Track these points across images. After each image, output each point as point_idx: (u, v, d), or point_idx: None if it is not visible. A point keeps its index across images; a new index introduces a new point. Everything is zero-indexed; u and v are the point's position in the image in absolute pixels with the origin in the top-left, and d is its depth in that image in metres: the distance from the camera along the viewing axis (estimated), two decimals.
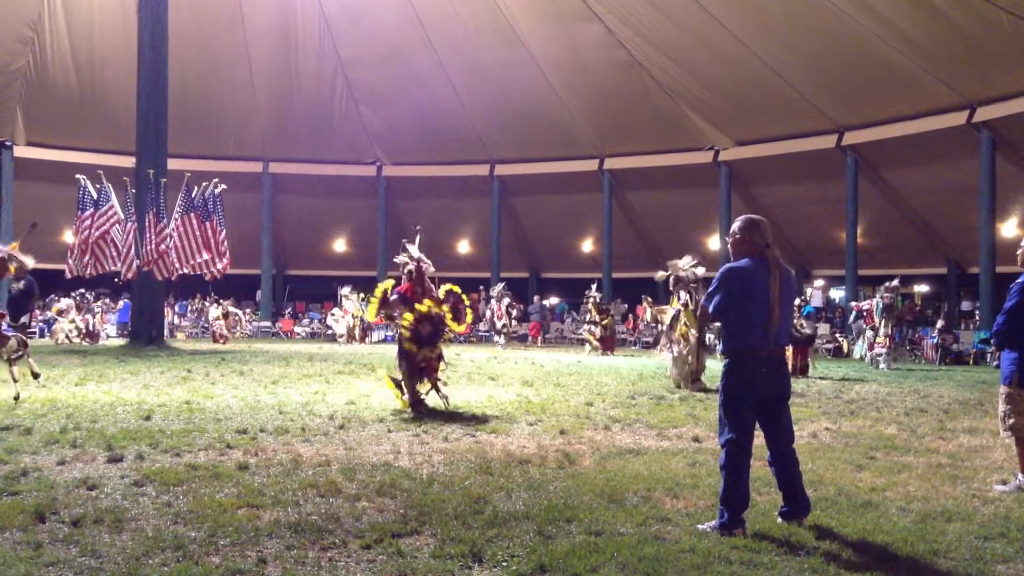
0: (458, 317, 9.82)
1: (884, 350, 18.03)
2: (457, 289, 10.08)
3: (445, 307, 9.74)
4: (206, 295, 29.10)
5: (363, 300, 26.92)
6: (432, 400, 9.74)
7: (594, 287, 24.30)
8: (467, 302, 10.14)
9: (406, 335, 9.52)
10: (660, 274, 13.88)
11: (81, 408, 8.88)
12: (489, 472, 6.06)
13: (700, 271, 13.13)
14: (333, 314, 27.01)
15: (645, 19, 24.08)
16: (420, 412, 9.27)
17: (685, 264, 13.22)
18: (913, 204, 26.42)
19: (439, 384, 9.77)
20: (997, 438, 8.01)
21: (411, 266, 9.85)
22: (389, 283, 10.09)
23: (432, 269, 10.09)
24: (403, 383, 9.59)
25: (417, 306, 9.55)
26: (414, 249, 10.07)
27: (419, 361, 9.53)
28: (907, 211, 26.77)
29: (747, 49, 23.34)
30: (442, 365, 10.00)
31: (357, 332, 25.53)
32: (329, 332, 28.18)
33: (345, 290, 26.24)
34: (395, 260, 10.22)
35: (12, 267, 8.63)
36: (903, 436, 8.15)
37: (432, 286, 9.96)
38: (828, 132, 25.47)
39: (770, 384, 4.77)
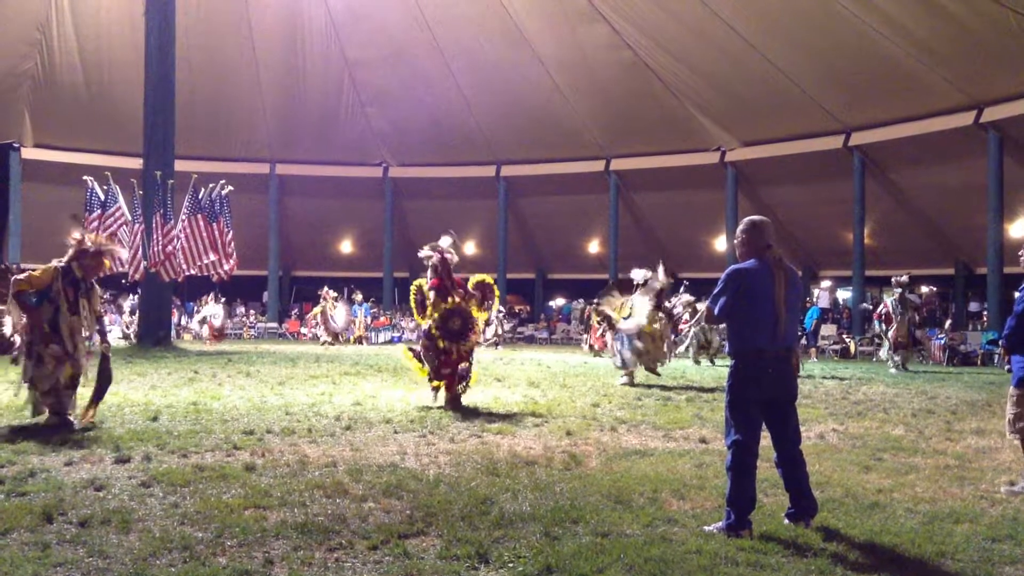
0: (484, 305, 10.08)
1: (901, 351, 17.56)
2: (489, 279, 10.32)
3: (472, 301, 9.91)
4: (211, 293, 29.14)
5: (361, 303, 26.89)
6: (464, 399, 9.96)
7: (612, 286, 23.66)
8: (496, 291, 10.34)
9: (435, 331, 9.75)
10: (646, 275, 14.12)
11: None
12: (495, 473, 6.06)
13: (639, 276, 13.87)
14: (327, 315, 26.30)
15: (651, 20, 24.07)
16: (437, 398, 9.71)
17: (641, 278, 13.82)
18: (920, 205, 26.34)
19: (461, 384, 9.86)
20: (1005, 439, 7.98)
21: (435, 258, 9.97)
22: (422, 281, 10.28)
23: (456, 259, 10.17)
24: (426, 364, 9.88)
25: (446, 303, 9.78)
26: (444, 240, 10.18)
27: (452, 356, 9.73)
28: (914, 212, 26.68)
29: (754, 49, 23.31)
30: (472, 367, 10.11)
31: (326, 333, 25.00)
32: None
33: (325, 290, 25.98)
34: (419, 255, 10.35)
35: (107, 261, 8.18)
36: (910, 437, 8.13)
37: (463, 282, 10.17)
38: (835, 133, 25.42)
39: (777, 385, 4.77)
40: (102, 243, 8.22)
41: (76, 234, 8.19)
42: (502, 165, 30.92)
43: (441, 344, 9.73)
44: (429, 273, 10.07)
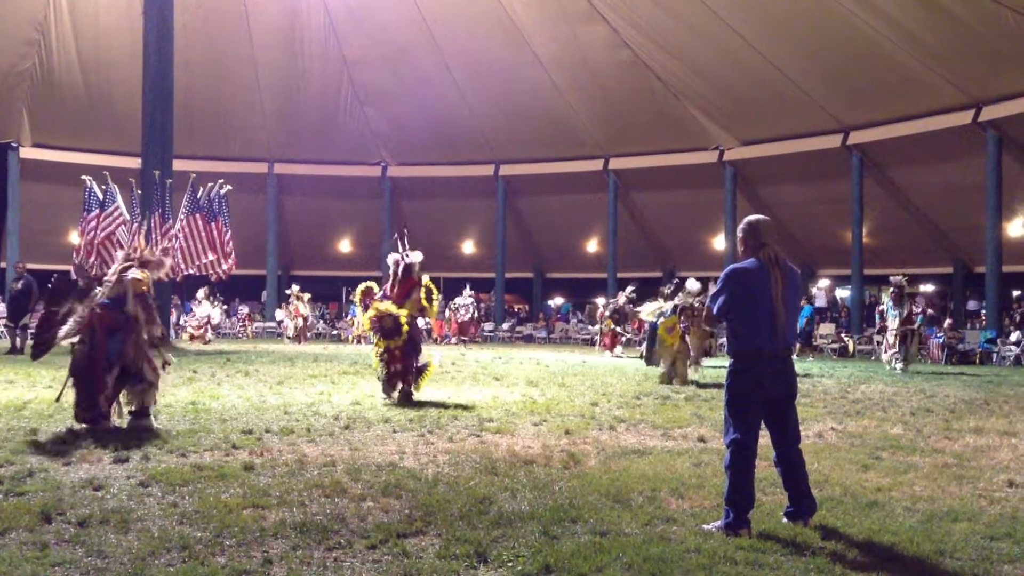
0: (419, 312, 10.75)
1: (895, 350, 17.16)
2: (430, 284, 10.83)
3: (403, 309, 10.42)
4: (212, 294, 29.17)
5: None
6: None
7: (629, 289, 22.76)
8: (427, 304, 10.76)
9: (371, 333, 10.73)
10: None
11: None
12: (494, 472, 6.06)
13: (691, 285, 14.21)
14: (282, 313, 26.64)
15: (650, 19, 24.05)
16: (390, 398, 10.28)
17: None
18: (919, 203, 26.34)
19: (400, 376, 10.33)
20: (1003, 438, 8.00)
21: (403, 264, 10.75)
22: (369, 285, 11.18)
23: (418, 257, 10.85)
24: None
25: (370, 310, 10.55)
26: (416, 255, 10.88)
27: (396, 353, 10.34)
28: (913, 210, 26.69)
29: (753, 49, 23.30)
30: (428, 368, 10.68)
31: (303, 332, 25.47)
32: (330, 332, 28.11)
33: (295, 288, 26.22)
34: (388, 259, 11.15)
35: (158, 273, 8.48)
36: (909, 436, 8.13)
37: (417, 281, 10.74)
38: (833, 131, 25.41)
39: (776, 384, 4.77)
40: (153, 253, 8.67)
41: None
42: (501, 164, 30.90)
43: (381, 344, 10.37)
44: (390, 278, 10.89)
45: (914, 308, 17.23)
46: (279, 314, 27.08)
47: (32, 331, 8.69)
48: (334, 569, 3.98)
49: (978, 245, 24.23)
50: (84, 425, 7.56)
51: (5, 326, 18.55)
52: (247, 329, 29.87)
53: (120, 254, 8.48)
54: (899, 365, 17.01)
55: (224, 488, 5.40)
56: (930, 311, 19.42)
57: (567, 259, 33.90)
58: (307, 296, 26.01)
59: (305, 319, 25.66)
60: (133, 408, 7.79)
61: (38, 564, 3.90)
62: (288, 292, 26.40)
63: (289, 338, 25.35)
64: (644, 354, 14.44)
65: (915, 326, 17.07)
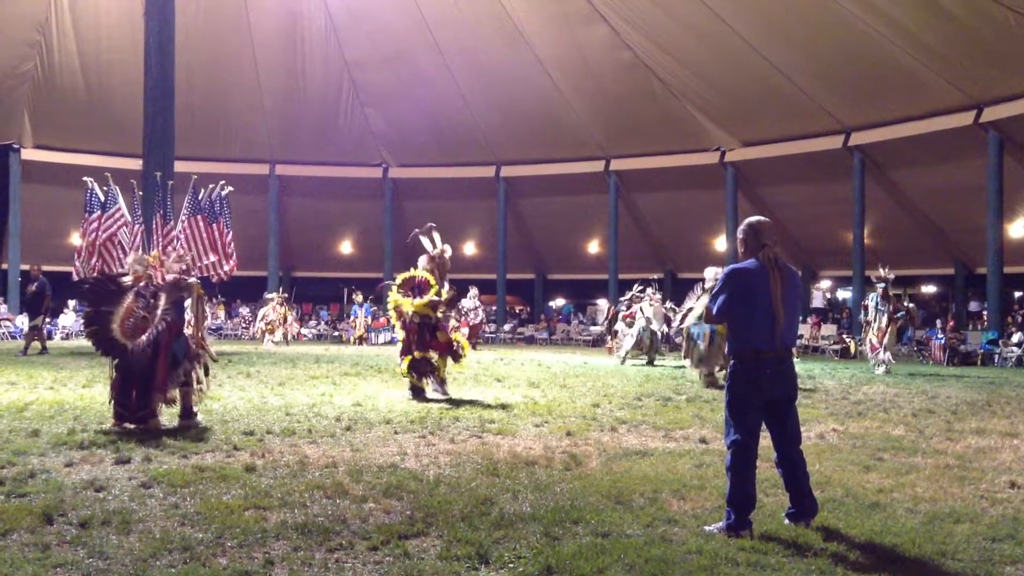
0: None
1: (881, 350, 16.79)
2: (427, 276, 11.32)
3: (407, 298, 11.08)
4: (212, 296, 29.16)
5: (362, 304, 26.90)
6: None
7: (636, 287, 21.81)
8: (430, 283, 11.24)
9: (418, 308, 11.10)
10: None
11: (88, 410, 8.90)
12: (495, 473, 6.06)
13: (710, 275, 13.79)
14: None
15: (651, 20, 24.04)
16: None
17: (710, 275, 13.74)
18: (920, 205, 26.33)
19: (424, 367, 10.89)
20: (1005, 439, 7.99)
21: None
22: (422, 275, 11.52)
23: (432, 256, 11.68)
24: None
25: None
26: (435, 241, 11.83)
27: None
28: (914, 212, 26.68)
29: (753, 50, 23.29)
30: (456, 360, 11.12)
31: (287, 333, 25.48)
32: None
33: (278, 292, 26.21)
34: (440, 249, 11.98)
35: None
36: (911, 437, 8.12)
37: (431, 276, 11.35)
38: (835, 133, 25.40)
39: (776, 385, 4.77)
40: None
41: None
42: (502, 165, 30.90)
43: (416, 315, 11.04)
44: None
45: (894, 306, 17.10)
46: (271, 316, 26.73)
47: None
48: (335, 570, 3.98)
49: (979, 246, 24.22)
50: (132, 425, 7.74)
51: (31, 328, 18.69)
52: (250, 330, 29.83)
53: (129, 260, 8.71)
54: (880, 369, 16.62)
55: (226, 489, 5.41)
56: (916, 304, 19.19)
57: (568, 260, 33.90)
58: (280, 297, 25.88)
59: (285, 320, 25.52)
60: (180, 408, 8.17)
61: (40, 565, 3.90)
62: (270, 295, 26.28)
63: (274, 342, 24.99)
64: (700, 358, 13.65)
65: (895, 316, 16.83)
